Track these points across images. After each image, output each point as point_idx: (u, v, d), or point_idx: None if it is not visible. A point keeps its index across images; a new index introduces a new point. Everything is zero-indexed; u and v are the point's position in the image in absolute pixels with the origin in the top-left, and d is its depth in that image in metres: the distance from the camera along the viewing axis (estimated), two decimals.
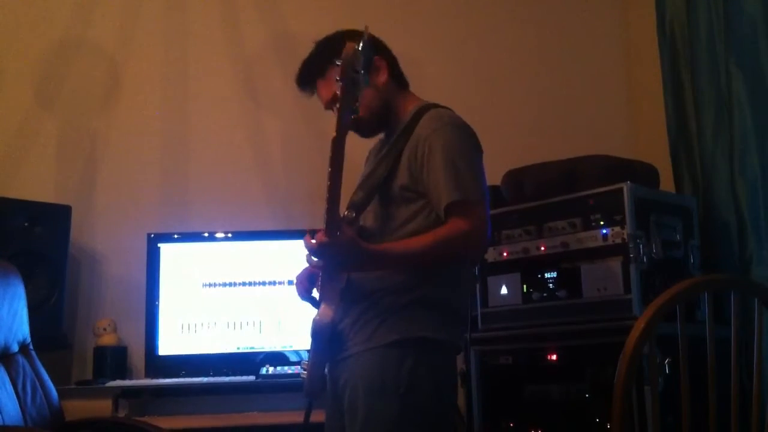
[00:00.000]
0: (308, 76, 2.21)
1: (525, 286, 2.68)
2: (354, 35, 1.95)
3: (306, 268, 2.15)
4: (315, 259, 2.01)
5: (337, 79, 1.79)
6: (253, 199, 3.49)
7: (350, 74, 1.78)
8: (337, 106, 1.82)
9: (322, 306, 2.04)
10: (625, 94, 3.67)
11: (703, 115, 2.90)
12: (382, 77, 2.16)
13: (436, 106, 2.14)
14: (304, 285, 2.15)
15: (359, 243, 1.92)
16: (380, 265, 2.01)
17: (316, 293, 2.13)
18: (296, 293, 2.17)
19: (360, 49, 1.78)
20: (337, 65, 1.78)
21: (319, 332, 2.02)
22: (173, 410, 2.88)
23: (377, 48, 2.19)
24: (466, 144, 2.04)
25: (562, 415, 2.53)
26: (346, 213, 2.03)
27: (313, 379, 2.05)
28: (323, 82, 2.16)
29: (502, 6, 3.72)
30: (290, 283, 3.05)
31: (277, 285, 3.20)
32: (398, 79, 2.23)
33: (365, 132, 2.20)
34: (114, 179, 3.45)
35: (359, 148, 2.25)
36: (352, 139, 2.12)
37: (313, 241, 1.93)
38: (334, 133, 1.84)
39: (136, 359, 3.24)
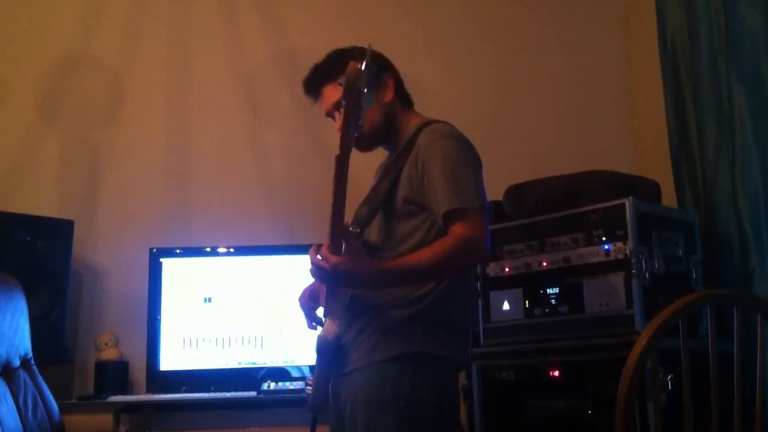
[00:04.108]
0: (316, 80, 2.22)
1: (527, 301, 2.67)
2: (363, 53, 1.93)
3: (310, 285, 2.15)
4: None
5: (340, 99, 1.81)
6: (256, 213, 3.49)
7: (354, 94, 1.79)
8: (341, 124, 1.84)
9: (327, 321, 2.04)
10: (627, 109, 3.67)
11: (704, 130, 2.90)
12: (389, 94, 2.18)
13: (437, 121, 2.15)
14: (308, 302, 2.16)
15: (365, 264, 1.94)
16: (386, 283, 2.01)
17: (320, 311, 2.13)
18: (299, 305, 2.18)
19: (363, 68, 1.79)
20: (342, 81, 1.80)
21: (323, 348, 2.02)
22: (174, 425, 2.88)
23: (386, 65, 2.20)
24: (464, 155, 2.05)
25: (564, 430, 2.52)
26: (350, 229, 2.03)
27: (318, 393, 2.05)
28: (329, 89, 2.17)
29: (504, 22, 3.74)
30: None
31: (279, 300, 3.19)
32: (403, 98, 2.25)
33: (363, 146, 2.19)
34: (116, 194, 3.46)
35: (365, 165, 2.25)
36: (358, 155, 2.14)
37: (319, 257, 1.93)
38: (338, 151, 1.86)
39: (138, 374, 3.23)
